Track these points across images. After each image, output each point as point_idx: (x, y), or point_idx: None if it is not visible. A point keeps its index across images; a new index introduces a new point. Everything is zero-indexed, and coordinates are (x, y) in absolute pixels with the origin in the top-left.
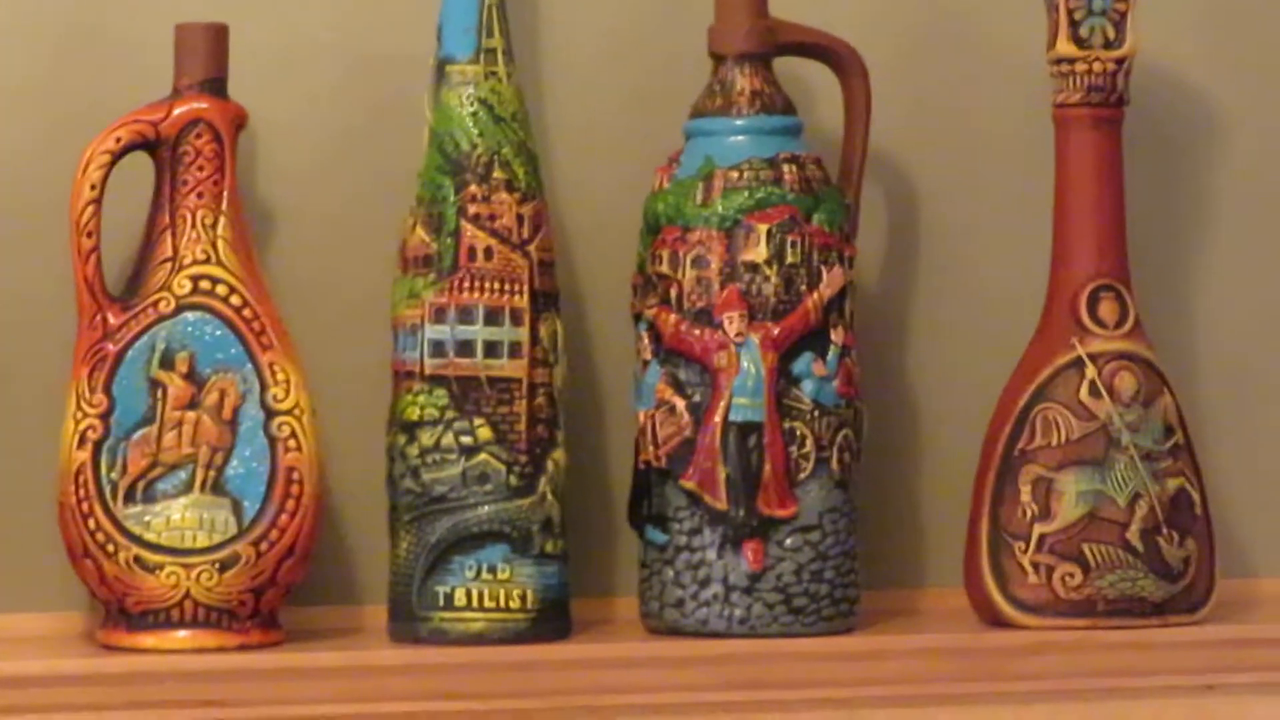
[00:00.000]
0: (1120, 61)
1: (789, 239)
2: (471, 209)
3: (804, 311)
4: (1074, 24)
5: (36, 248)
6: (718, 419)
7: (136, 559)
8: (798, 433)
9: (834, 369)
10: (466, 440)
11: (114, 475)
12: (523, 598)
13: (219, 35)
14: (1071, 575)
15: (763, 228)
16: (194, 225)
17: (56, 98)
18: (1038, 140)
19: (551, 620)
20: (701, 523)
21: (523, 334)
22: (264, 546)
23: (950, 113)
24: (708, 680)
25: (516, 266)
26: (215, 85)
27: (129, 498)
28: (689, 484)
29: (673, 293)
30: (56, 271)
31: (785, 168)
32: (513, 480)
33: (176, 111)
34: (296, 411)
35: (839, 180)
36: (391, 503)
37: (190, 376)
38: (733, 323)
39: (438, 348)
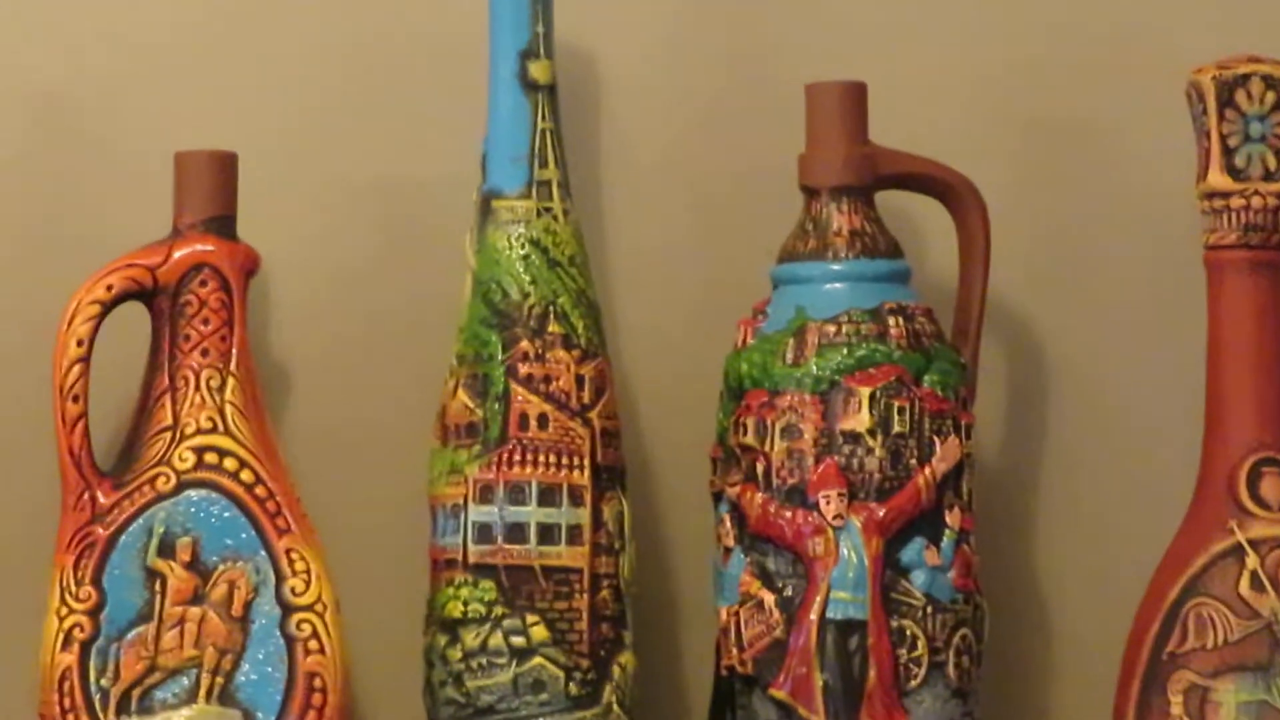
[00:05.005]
0: None
1: (896, 404)
2: (523, 369)
3: (914, 490)
4: (1228, 152)
5: (11, 414)
6: (813, 616)
7: None
8: (908, 633)
9: (949, 558)
10: (518, 641)
11: (105, 682)
12: None
13: (226, 166)
14: None
15: (865, 391)
16: (198, 388)
17: (36, 236)
18: (1187, 288)
19: None
20: None
21: (583, 516)
22: None
23: (1084, 256)
24: None
25: (576, 437)
26: (222, 224)
27: (122, 709)
28: (779, 693)
29: (759, 468)
30: (37, 442)
31: (890, 320)
32: (573, 689)
33: (177, 255)
34: (318, 607)
35: (953, 335)
36: (430, 715)
37: (194, 566)
38: (830, 503)
39: (484, 532)
